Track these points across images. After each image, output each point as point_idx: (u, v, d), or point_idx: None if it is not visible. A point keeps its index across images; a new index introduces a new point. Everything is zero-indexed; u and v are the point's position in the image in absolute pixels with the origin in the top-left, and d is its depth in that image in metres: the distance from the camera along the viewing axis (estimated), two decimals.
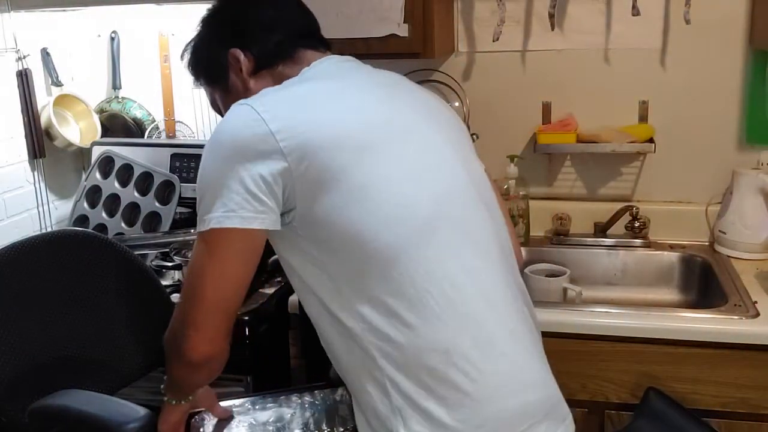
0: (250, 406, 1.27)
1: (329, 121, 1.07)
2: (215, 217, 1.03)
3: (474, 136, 1.78)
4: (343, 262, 1.06)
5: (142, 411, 1.14)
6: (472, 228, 1.12)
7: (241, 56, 1.20)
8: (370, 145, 1.07)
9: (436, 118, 1.20)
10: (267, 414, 1.25)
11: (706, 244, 1.95)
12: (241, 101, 1.10)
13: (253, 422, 1.23)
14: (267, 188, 1.03)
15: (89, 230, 1.97)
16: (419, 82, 1.64)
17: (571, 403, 1.20)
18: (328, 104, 1.10)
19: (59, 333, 1.40)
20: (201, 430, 1.23)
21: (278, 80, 1.18)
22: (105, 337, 1.47)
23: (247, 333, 1.60)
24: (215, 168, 1.05)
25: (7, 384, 1.29)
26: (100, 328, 1.46)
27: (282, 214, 1.06)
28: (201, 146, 2.17)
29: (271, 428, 1.21)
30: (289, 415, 1.24)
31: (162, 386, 1.19)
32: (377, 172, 1.06)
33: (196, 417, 1.25)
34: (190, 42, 1.29)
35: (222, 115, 1.21)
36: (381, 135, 1.09)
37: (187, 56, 1.29)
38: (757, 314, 1.51)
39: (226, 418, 1.25)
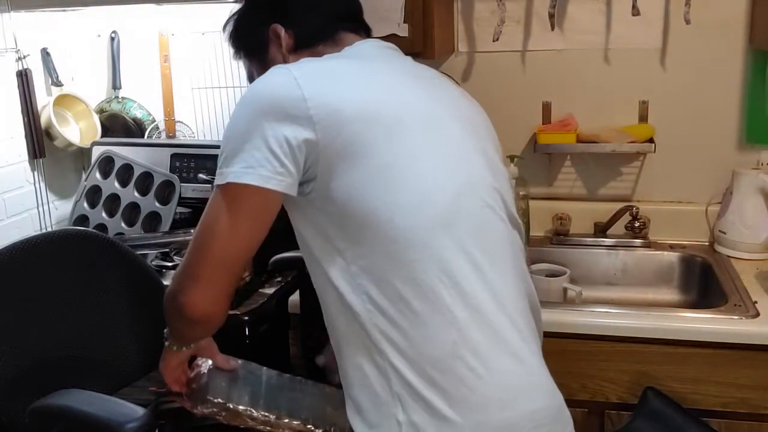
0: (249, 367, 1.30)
1: (361, 97, 1.07)
2: (234, 172, 1.02)
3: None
4: (355, 240, 1.04)
5: (140, 411, 1.14)
6: (488, 228, 1.11)
7: (282, 32, 1.20)
8: (398, 128, 1.06)
9: (467, 117, 1.19)
10: (264, 371, 1.28)
11: (706, 244, 1.95)
12: (279, 65, 1.11)
13: (252, 374, 1.25)
14: (290, 151, 1.01)
15: (91, 230, 1.97)
16: None
17: (571, 403, 1.19)
18: (362, 81, 1.10)
19: (60, 332, 1.41)
20: (203, 374, 1.23)
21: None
22: (106, 337, 1.47)
23: (247, 333, 1.60)
24: (241, 124, 1.04)
25: (8, 383, 1.29)
26: (101, 328, 1.47)
27: (301, 184, 1.05)
28: (201, 146, 2.18)
29: (273, 381, 1.23)
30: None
31: (165, 330, 1.19)
32: (402, 155, 1.05)
33: (198, 360, 1.25)
34: (233, 15, 1.29)
35: None
36: (410, 120, 1.08)
37: (229, 28, 1.29)
38: (757, 314, 1.51)
39: (227, 369, 1.26)
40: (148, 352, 1.48)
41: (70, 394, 1.21)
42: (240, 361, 1.30)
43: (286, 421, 1.16)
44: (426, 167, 1.07)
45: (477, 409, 1.03)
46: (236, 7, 1.29)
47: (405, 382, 1.02)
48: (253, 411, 1.17)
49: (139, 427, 1.11)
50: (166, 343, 1.20)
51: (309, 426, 1.16)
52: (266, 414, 1.16)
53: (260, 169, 1.01)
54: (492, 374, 1.04)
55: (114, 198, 2.17)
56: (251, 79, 1.29)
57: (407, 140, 1.07)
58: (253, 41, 1.24)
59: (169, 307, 1.09)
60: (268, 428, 1.16)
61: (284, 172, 1.02)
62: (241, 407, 1.17)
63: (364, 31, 1.24)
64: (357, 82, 1.09)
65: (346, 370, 1.09)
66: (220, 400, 1.17)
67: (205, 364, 1.25)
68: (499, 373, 1.05)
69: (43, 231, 2.16)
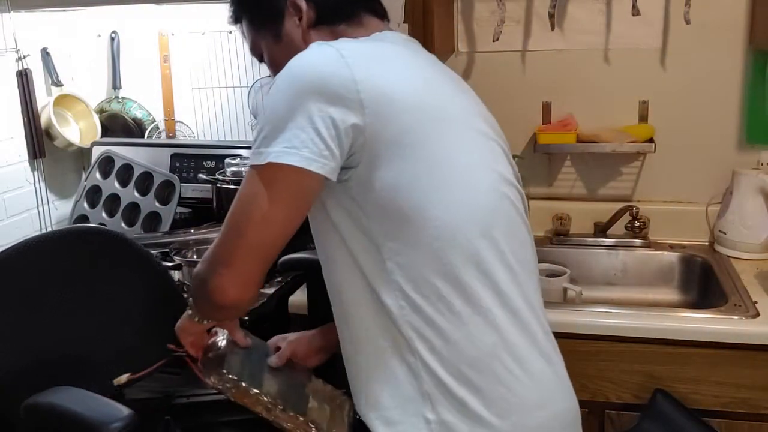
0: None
1: (412, 86, 1.02)
2: (275, 152, 0.95)
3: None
4: (395, 235, 1.00)
5: (125, 411, 1.13)
6: (516, 228, 1.10)
7: (304, 5, 1.12)
8: (446, 122, 1.03)
9: (486, 115, 1.18)
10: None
11: (706, 244, 1.95)
12: (320, 43, 1.04)
13: (267, 357, 1.25)
14: (335, 134, 0.96)
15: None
16: None
17: None
18: (409, 70, 1.05)
19: (67, 330, 1.40)
20: (220, 346, 1.21)
21: (338, 38, 1.10)
22: (113, 335, 1.47)
23: None
24: (284, 100, 0.97)
25: (11, 379, 1.29)
26: (109, 327, 1.46)
27: (340, 169, 0.99)
28: (201, 146, 2.18)
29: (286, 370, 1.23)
30: None
31: (189, 299, 1.16)
32: (450, 151, 1.02)
33: (217, 330, 1.24)
34: None
35: (264, 62, 1.18)
36: (452, 115, 1.06)
37: None
38: (757, 314, 1.51)
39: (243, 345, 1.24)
40: (155, 353, 1.48)
41: (60, 391, 1.21)
42: (257, 341, 1.28)
43: (291, 414, 1.14)
44: (469, 165, 1.05)
45: (513, 410, 1.02)
46: None
47: (437, 381, 1.00)
48: (263, 396, 1.14)
49: (123, 427, 1.10)
50: (189, 311, 1.15)
51: (310, 425, 1.15)
52: (273, 402, 1.14)
53: (304, 150, 0.95)
54: (528, 375, 1.03)
55: (114, 198, 2.17)
56: (255, 50, 1.21)
57: (453, 136, 1.04)
58: (267, 10, 1.15)
59: (198, 290, 1.05)
60: (269, 415, 1.14)
61: (328, 155, 0.96)
62: (253, 390, 1.14)
63: (384, 15, 1.19)
64: (405, 69, 1.05)
65: (365, 366, 1.07)
66: (233, 376, 1.15)
67: (222, 335, 1.23)
68: (534, 374, 1.05)
69: (44, 231, 2.16)
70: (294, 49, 1.07)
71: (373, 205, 1.00)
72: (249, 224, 0.97)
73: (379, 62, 1.02)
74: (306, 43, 1.10)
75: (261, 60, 1.21)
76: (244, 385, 1.14)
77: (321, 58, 1.00)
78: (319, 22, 1.13)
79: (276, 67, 1.14)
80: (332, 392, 1.26)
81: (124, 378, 1.29)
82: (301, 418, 1.14)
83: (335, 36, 1.11)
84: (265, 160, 0.96)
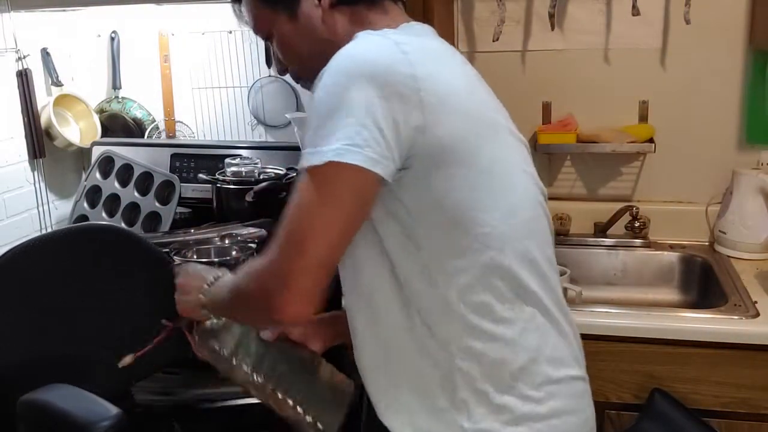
0: None
1: (465, 87, 0.98)
2: (335, 150, 0.86)
3: None
4: (440, 238, 0.95)
5: (114, 410, 1.13)
6: (547, 237, 1.09)
7: None
8: (491, 127, 1.00)
9: (509, 118, 1.14)
10: None
11: (706, 244, 1.95)
12: (372, 32, 0.97)
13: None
14: (397, 135, 0.88)
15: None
16: None
17: None
18: (456, 69, 1.00)
19: (69, 329, 1.40)
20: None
21: (358, 23, 1.04)
22: (117, 335, 1.47)
23: None
24: (342, 94, 0.88)
25: (12, 378, 1.29)
26: (114, 325, 1.46)
27: None
28: (201, 146, 2.18)
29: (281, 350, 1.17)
30: None
31: (207, 288, 1.09)
32: (500, 158, 0.99)
33: None
34: None
35: (270, 42, 1.09)
36: (494, 119, 1.03)
37: None
38: (757, 314, 1.51)
39: None
40: (158, 351, 1.48)
41: (54, 389, 1.21)
42: None
43: (280, 396, 1.11)
44: (511, 168, 1.02)
45: (554, 414, 1.00)
46: None
47: (475, 389, 0.97)
48: (252, 375, 1.12)
49: (110, 426, 1.10)
50: (203, 299, 1.09)
51: (298, 408, 1.11)
52: (263, 382, 1.12)
53: (367, 149, 0.86)
54: (567, 380, 1.03)
55: (114, 198, 2.17)
56: (261, 28, 1.10)
57: (498, 141, 1.01)
58: None
59: (251, 305, 0.97)
60: (257, 393, 1.12)
61: (389, 157, 0.88)
62: (244, 367, 1.12)
63: (404, 3, 1.12)
64: (455, 69, 1.00)
65: (394, 370, 1.02)
66: (225, 353, 1.13)
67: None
68: (573, 379, 1.05)
69: (44, 231, 2.16)
70: (312, 30, 1.03)
71: (421, 208, 0.94)
72: (308, 235, 0.87)
73: (434, 61, 0.96)
74: (326, 25, 1.04)
75: (266, 39, 1.12)
76: (234, 363, 1.12)
77: (381, 50, 0.93)
78: (339, 2, 1.04)
79: (288, 49, 1.08)
80: (336, 379, 1.21)
81: (128, 359, 1.26)
82: (290, 401, 1.11)
83: (357, 20, 1.04)
84: (322, 159, 0.86)
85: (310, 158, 0.88)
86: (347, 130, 0.86)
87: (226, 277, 1.10)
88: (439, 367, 0.98)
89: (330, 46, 0.97)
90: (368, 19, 1.04)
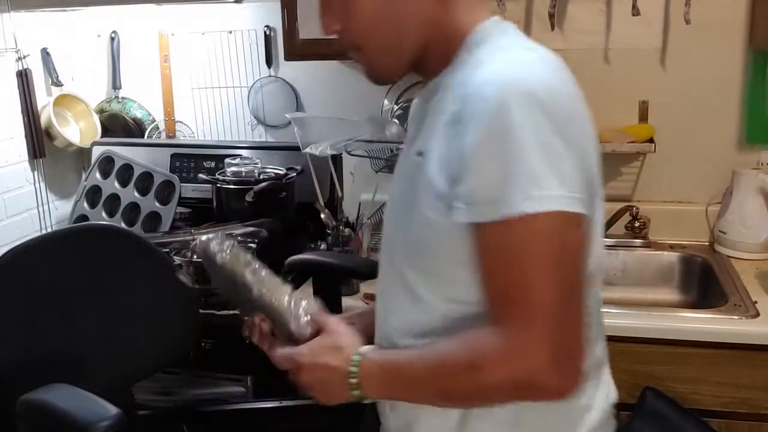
0: None
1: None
2: (560, 197, 0.75)
3: None
4: None
5: (114, 410, 1.13)
6: None
7: None
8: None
9: None
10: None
11: (706, 244, 1.95)
12: (533, 48, 0.90)
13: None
14: (585, 182, 0.80)
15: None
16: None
17: None
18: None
19: (74, 328, 1.41)
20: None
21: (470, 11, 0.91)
22: (117, 335, 1.47)
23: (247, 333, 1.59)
24: (545, 129, 0.76)
25: (13, 377, 1.29)
26: (113, 325, 1.46)
27: None
28: (201, 146, 2.19)
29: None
30: None
31: (355, 370, 0.89)
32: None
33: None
34: None
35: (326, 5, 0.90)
36: None
37: None
38: (757, 314, 1.51)
39: None
40: (160, 352, 1.48)
41: (54, 389, 1.21)
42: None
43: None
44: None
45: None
46: None
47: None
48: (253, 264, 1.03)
49: (109, 427, 1.10)
50: (353, 382, 0.89)
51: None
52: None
53: (581, 194, 0.78)
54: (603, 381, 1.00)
55: (114, 198, 2.17)
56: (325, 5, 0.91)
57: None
58: None
59: (513, 391, 0.80)
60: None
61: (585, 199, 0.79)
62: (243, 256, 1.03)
63: None
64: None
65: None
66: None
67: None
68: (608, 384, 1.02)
69: (44, 231, 2.16)
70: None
71: None
72: (571, 295, 0.78)
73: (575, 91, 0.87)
74: None
75: (329, 14, 0.91)
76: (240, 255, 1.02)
77: (563, 81, 0.86)
78: None
79: (350, 15, 0.88)
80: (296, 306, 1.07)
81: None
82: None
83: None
84: (546, 207, 0.75)
85: (515, 206, 0.76)
86: (562, 174, 0.79)
87: (408, 352, 0.91)
88: None
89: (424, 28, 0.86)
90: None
